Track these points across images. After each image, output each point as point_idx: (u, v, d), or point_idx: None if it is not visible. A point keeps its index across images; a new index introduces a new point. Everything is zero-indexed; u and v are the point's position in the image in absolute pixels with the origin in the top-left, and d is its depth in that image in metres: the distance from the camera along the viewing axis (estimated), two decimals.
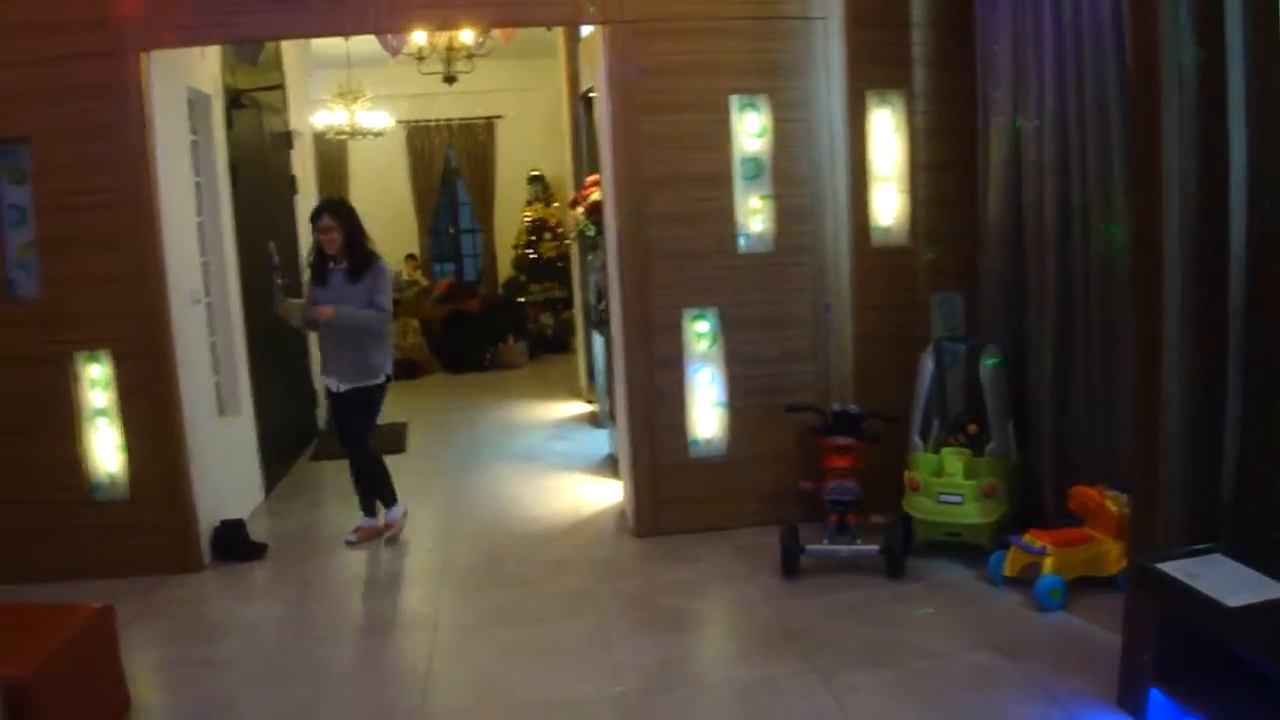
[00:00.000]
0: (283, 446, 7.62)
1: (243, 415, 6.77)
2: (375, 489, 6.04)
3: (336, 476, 7.57)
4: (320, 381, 8.79)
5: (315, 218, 5.75)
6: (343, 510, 6.74)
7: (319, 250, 5.77)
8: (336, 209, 5.81)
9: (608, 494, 6.56)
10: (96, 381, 5.47)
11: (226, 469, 6.22)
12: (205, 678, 4.37)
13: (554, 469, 7.31)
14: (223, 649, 4.67)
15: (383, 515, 6.07)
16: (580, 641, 4.49)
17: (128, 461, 5.51)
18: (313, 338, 7.56)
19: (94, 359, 5.45)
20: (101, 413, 5.48)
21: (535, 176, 13.47)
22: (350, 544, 5.94)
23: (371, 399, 5.90)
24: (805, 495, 5.40)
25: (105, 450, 5.52)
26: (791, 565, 4.97)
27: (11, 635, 3.74)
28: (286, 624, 4.96)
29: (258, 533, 6.03)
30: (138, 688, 4.17)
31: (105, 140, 5.33)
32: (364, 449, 5.97)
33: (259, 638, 4.77)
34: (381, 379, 5.88)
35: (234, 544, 5.77)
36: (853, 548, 4.96)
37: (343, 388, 5.83)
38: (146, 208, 5.37)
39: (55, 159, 5.35)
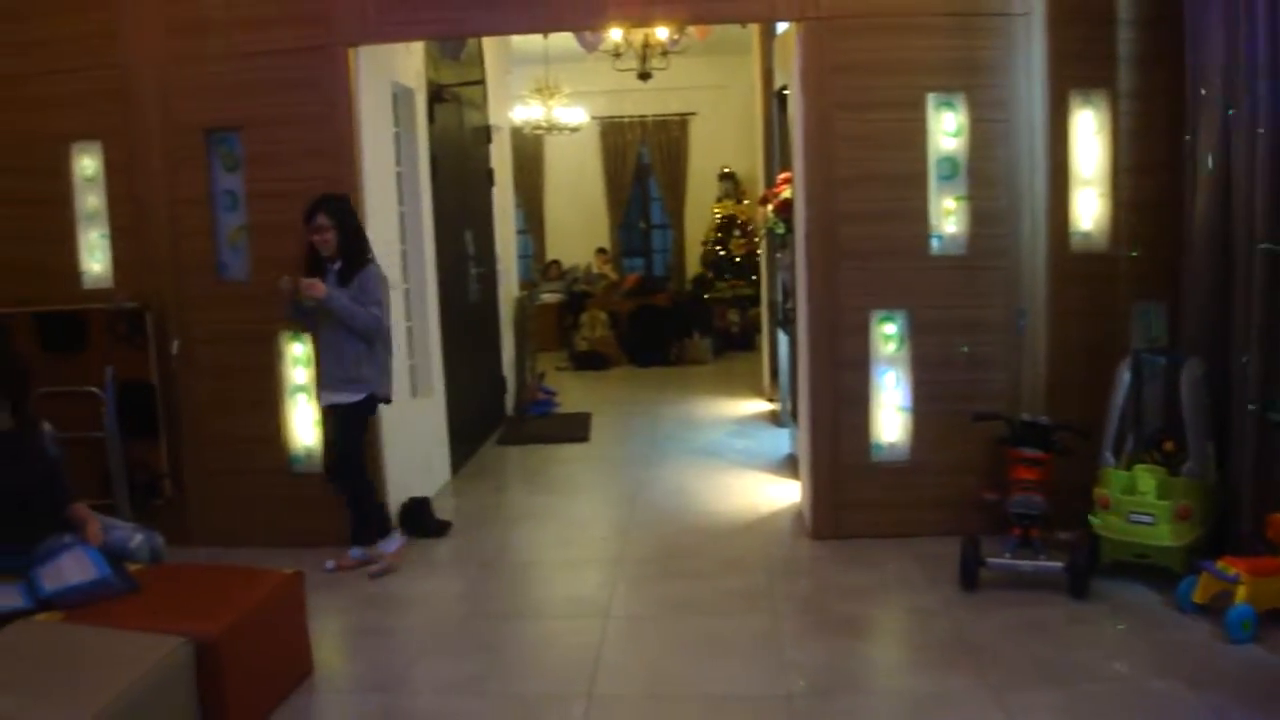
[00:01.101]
0: (470, 429, 7.85)
1: (434, 398, 6.98)
2: (361, 521, 5.43)
3: (522, 461, 7.78)
4: (508, 369, 9.06)
5: (309, 216, 5.16)
6: (525, 493, 6.94)
7: (312, 250, 5.21)
8: (331, 206, 5.20)
9: (786, 494, 6.50)
10: (298, 359, 5.75)
11: (416, 448, 6.46)
12: (385, 647, 4.55)
13: (733, 466, 7.30)
14: (403, 620, 4.85)
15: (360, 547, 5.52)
16: (751, 639, 4.47)
17: (323, 437, 5.76)
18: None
19: (297, 338, 5.71)
20: (302, 389, 5.76)
21: (726, 173, 13.51)
22: (329, 571, 5.38)
23: (352, 416, 5.27)
24: (989, 506, 5.24)
25: (304, 425, 5.80)
26: (971, 577, 4.83)
27: (206, 595, 3.99)
28: (465, 600, 5.13)
29: (443, 511, 6.23)
30: (321, 652, 4.37)
31: (314, 131, 5.60)
32: (352, 475, 5.37)
33: (438, 611, 4.95)
34: (363, 395, 5.24)
35: (419, 520, 5.98)
36: (1036, 563, 4.78)
37: (329, 400, 5.31)
38: (351, 196, 5.59)
39: (266, 147, 5.65)
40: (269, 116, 5.62)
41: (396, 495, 5.95)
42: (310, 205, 5.22)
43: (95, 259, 5.93)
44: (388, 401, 5.43)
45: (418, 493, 6.14)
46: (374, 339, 5.21)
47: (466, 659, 4.37)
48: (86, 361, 5.59)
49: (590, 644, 4.45)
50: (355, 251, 5.23)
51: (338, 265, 5.21)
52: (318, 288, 5.05)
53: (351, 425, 5.29)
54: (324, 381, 5.30)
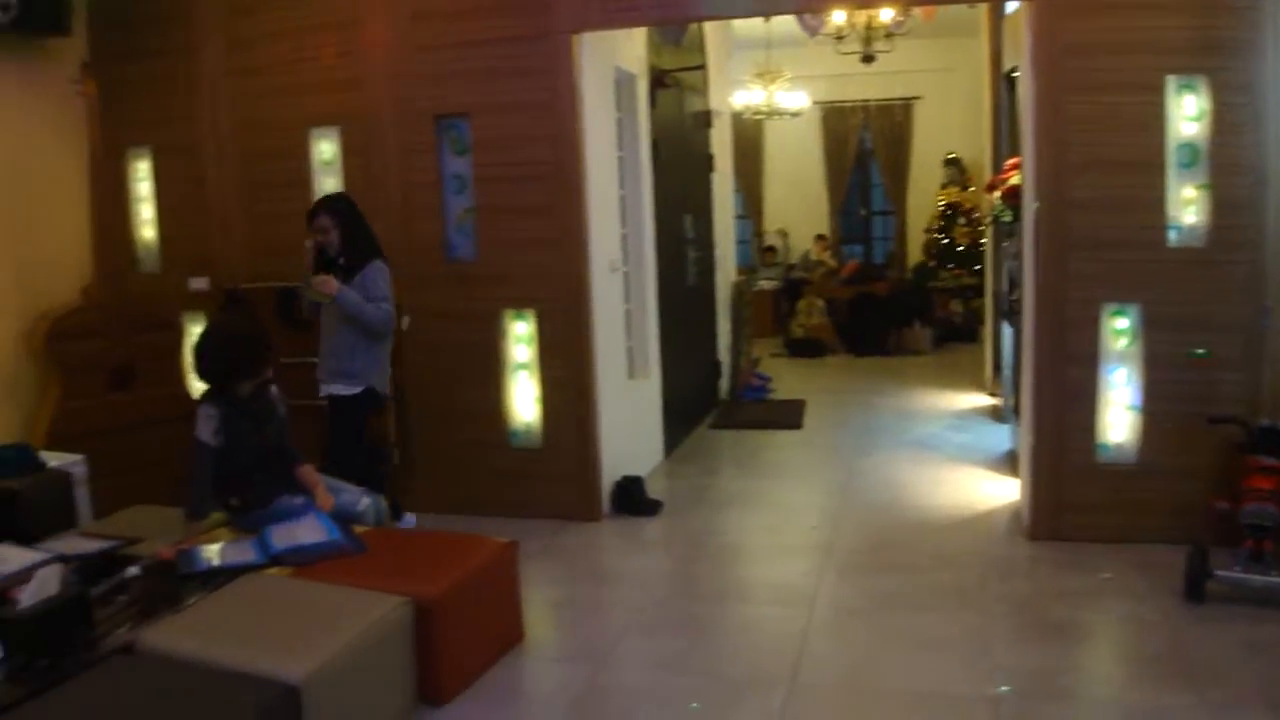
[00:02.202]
0: (684, 412, 7.92)
1: (650, 379, 7.09)
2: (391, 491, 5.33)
3: (734, 445, 7.82)
4: (723, 354, 9.09)
5: (311, 218, 5.19)
6: (736, 478, 6.96)
7: (320, 249, 5.20)
8: (332, 207, 5.21)
9: (1004, 492, 6.29)
10: (520, 338, 5.93)
11: (631, 428, 6.57)
12: (592, 620, 4.67)
13: (950, 460, 7.11)
14: (612, 595, 4.96)
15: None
16: (960, 638, 4.35)
17: (543, 413, 5.95)
18: None
19: (520, 317, 5.92)
20: (523, 366, 5.95)
21: (951, 159, 13.16)
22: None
23: (345, 412, 5.21)
24: (1219, 516, 4.91)
25: (524, 401, 5.99)
26: (1196, 590, 4.55)
27: (426, 559, 4.16)
28: (673, 579, 5.19)
29: (654, 491, 6.31)
30: (531, 621, 4.51)
31: (539, 116, 5.75)
32: (359, 460, 5.24)
33: (646, 589, 5.02)
34: (358, 390, 5.17)
35: (632, 499, 6.09)
36: (1268, 579, 4.45)
37: (325, 390, 5.24)
38: (574, 180, 5.74)
39: (493, 133, 5.84)
40: (496, 103, 5.80)
41: (610, 474, 6.08)
42: (312, 207, 5.26)
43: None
44: (385, 399, 5.34)
45: (631, 472, 6.24)
46: (384, 334, 5.20)
47: (672, 637, 4.43)
48: None
49: (795, 631, 4.43)
50: (357, 249, 5.19)
51: (342, 262, 5.19)
52: (329, 285, 5.04)
53: (344, 417, 5.22)
54: (321, 373, 5.26)
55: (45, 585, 3.57)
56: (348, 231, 5.19)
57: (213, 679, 3.19)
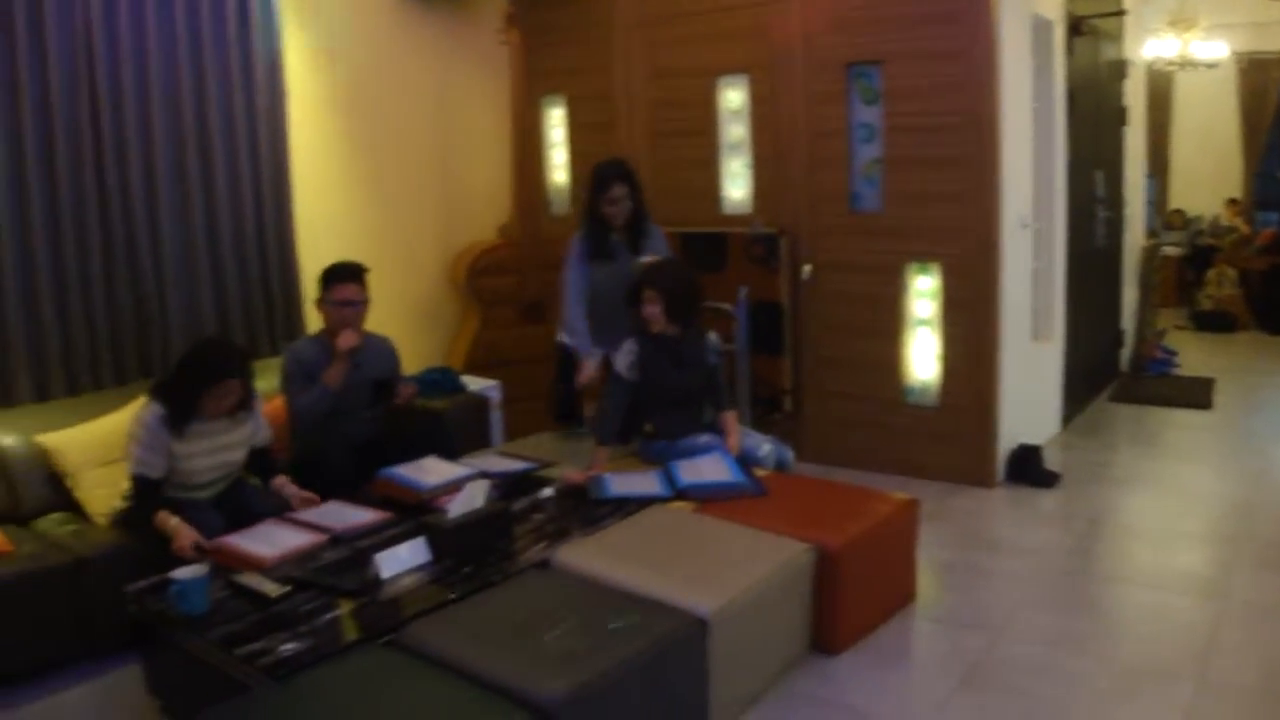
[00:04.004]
0: (1085, 381, 7.51)
1: (1053, 344, 6.72)
2: None
3: (1135, 421, 7.35)
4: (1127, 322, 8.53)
5: (605, 186, 4.90)
6: (1138, 456, 6.56)
7: (597, 221, 5.01)
8: (628, 175, 4.97)
9: None
10: (923, 293, 5.79)
11: (1030, 394, 6.27)
12: (985, 588, 4.52)
13: None
14: (1006, 565, 4.77)
15: None
16: None
17: (942, 372, 5.80)
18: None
19: (924, 271, 5.77)
20: (924, 322, 5.81)
21: None
22: None
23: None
24: None
25: (923, 358, 5.85)
26: None
27: (827, 508, 4.17)
28: (1071, 556, 4.92)
29: (1050, 462, 6.01)
30: (922, 581, 4.44)
31: (953, 64, 5.54)
32: None
33: (1042, 563, 4.80)
34: None
35: (1028, 468, 5.82)
36: None
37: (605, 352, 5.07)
38: (988, 131, 5.50)
39: (904, 82, 5.69)
40: (910, 50, 5.65)
41: (1006, 440, 5.84)
42: (604, 175, 5.01)
43: (736, 186, 6.38)
44: None
45: (1026, 439, 5.97)
46: None
47: (1069, 616, 4.23)
48: (723, 280, 5.99)
49: (1203, 624, 4.11)
50: (645, 215, 5.06)
51: (624, 234, 5.05)
52: None
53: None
54: (614, 343, 4.95)
55: (472, 498, 3.85)
56: (637, 198, 5.07)
57: (624, 601, 3.32)
